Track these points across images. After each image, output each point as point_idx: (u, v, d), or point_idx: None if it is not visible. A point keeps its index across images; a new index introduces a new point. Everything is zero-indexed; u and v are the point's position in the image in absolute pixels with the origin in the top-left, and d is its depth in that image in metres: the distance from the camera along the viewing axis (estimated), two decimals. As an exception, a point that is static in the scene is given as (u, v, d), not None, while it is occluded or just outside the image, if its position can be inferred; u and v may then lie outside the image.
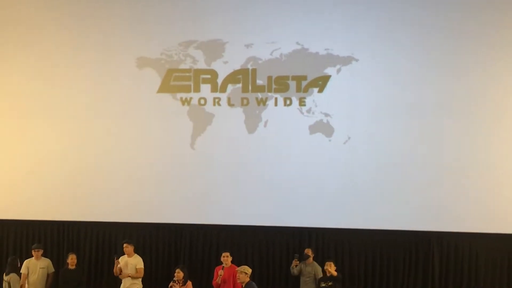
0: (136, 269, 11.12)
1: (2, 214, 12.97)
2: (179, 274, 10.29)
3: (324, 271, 10.81)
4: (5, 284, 11.18)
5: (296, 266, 11.32)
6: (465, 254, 11.76)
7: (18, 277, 11.29)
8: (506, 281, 11.61)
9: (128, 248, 11.16)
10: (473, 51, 11.66)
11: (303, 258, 11.32)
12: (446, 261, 11.80)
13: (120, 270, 10.92)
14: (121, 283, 11.14)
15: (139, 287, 11.12)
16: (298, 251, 11.69)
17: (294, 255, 11.53)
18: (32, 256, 11.59)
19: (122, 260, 11.10)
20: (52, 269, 11.69)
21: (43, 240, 12.75)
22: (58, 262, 12.45)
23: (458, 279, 11.73)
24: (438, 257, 11.78)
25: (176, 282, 10.21)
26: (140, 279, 11.15)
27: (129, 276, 10.98)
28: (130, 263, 11.10)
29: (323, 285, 10.60)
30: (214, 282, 10.68)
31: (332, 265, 10.68)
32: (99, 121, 12.73)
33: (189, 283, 10.35)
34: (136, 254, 11.29)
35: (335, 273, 10.54)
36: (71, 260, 11.44)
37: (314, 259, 11.28)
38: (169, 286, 10.27)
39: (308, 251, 11.41)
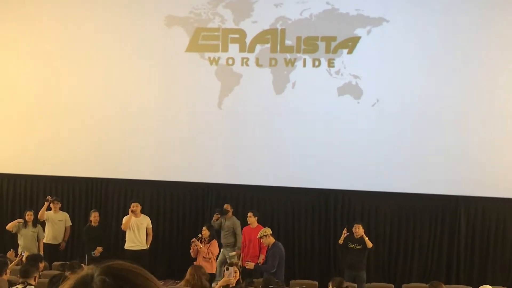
0: (147, 229, 11.21)
1: (30, 170, 13.13)
2: (205, 232, 10.37)
3: (352, 232, 10.78)
4: (33, 235, 11.48)
5: (217, 220, 11.44)
6: (492, 218, 11.71)
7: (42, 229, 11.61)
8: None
9: (137, 207, 11.19)
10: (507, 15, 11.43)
11: (223, 213, 11.42)
12: (472, 226, 11.76)
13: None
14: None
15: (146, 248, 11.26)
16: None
17: (216, 210, 11.69)
18: (51, 209, 11.79)
19: (131, 220, 11.10)
20: (69, 223, 11.90)
21: (71, 196, 12.91)
22: (86, 218, 12.62)
23: (485, 243, 11.70)
24: (465, 222, 11.74)
25: (202, 239, 10.29)
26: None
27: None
28: (141, 223, 11.14)
29: (351, 246, 10.58)
30: (241, 245, 10.82)
31: (361, 227, 10.67)
32: (127, 79, 12.73)
33: (214, 241, 10.43)
34: (143, 214, 11.34)
35: (370, 244, 10.51)
36: (94, 217, 11.58)
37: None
38: (191, 241, 10.35)
39: (227, 206, 11.59)
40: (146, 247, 11.18)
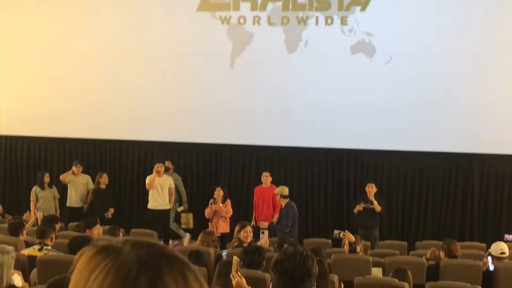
0: (169, 189, 11.29)
1: (44, 132, 13.19)
2: (219, 192, 10.41)
3: (365, 192, 10.82)
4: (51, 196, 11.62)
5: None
6: (506, 176, 11.68)
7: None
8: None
9: (161, 168, 11.25)
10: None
11: (165, 170, 11.56)
12: (486, 183, 11.74)
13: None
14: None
15: (169, 208, 11.36)
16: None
17: (164, 162, 11.77)
18: (74, 172, 11.86)
19: (155, 180, 11.19)
20: (91, 185, 11.95)
21: (85, 158, 12.96)
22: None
23: (498, 201, 11.69)
24: (479, 179, 11.72)
25: (214, 200, 10.34)
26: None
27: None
28: (164, 183, 11.24)
29: (364, 205, 10.64)
30: (255, 204, 10.85)
31: (374, 187, 10.69)
32: (138, 39, 12.67)
33: (228, 201, 10.49)
34: (166, 175, 11.42)
35: (378, 208, 10.55)
36: (104, 179, 11.67)
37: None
38: (209, 203, 10.41)
39: (169, 164, 11.81)
40: (169, 207, 11.28)
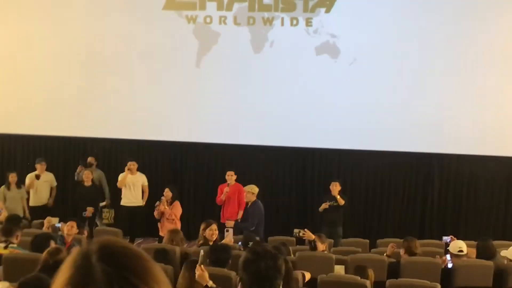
0: (143, 186, 11.33)
1: (5, 128, 13.08)
2: (167, 193, 10.41)
3: (329, 191, 10.99)
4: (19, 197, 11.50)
5: (80, 172, 11.88)
6: (465, 175, 11.99)
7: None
8: (504, 203, 11.89)
9: (134, 166, 11.31)
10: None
11: (87, 165, 11.84)
12: (446, 183, 12.03)
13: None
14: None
15: (142, 205, 11.40)
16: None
17: (79, 162, 12.17)
18: (36, 170, 11.77)
19: (127, 178, 11.22)
20: (55, 183, 11.90)
21: (49, 155, 12.87)
22: (64, 177, 12.67)
23: (457, 200, 12.00)
24: (439, 179, 12.01)
25: (162, 201, 10.31)
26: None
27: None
28: (137, 180, 11.29)
29: (329, 203, 10.80)
30: (218, 199, 10.89)
31: (338, 185, 10.86)
32: (104, 36, 12.65)
33: (176, 203, 10.47)
34: (139, 172, 11.47)
35: (342, 201, 10.71)
36: (87, 176, 11.61)
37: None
38: (155, 204, 10.45)
39: (92, 159, 12.05)
40: (142, 204, 11.31)
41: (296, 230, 8.56)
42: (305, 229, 8.49)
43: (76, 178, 12.05)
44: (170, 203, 10.38)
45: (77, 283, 1.10)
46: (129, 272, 1.11)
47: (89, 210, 11.27)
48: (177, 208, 10.47)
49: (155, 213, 10.43)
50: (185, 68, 12.42)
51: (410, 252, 7.62)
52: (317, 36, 12.04)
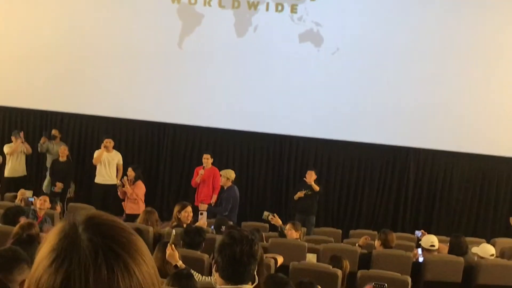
0: (117, 165, 11.26)
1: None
2: (130, 173, 10.32)
3: (303, 179, 11.03)
4: None
5: (43, 143, 11.90)
6: (440, 170, 12.09)
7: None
8: (477, 201, 12.02)
9: (110, 143, 11.23)
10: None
11: (51, 138, 11.88)
12: (421, 177, 12.13)
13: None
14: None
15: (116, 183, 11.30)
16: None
17: (43, 133, 12.09)
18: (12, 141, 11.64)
19: (103, 155, 11.13)
20: (30, 151, 11.75)
21: (25, 129, 12.72)
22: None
23: (432, 194, 12.10)
24: (414, 173, 12.09)
25: (128, 180, 10.24)
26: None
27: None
28: (112, 158, 11.21)
29: (304, 192, 10.84)
30: (193, 181, 10.85)
31: (313, 174, 10.88)
32: (85, 12, 12.49)
33: (139, 182, 10.39)
34: (115, 150, 11.39)
35: (316, 187, 10.74)
36: (62, 151, 11.49)
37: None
38: (117, 184, 10.42)
39: (56, 132, 12.06)
40: (116, 182, 11.23)
41: (266, 213, 8.57)
42: (274, 214, 8.50)
43: (39, 149, 11.93)
44: (133, 182, 10.29)
45: (62, 249, 1.12)
46: (114, 242, 1.14)
47: (58, 186, 11.19)
48: (140, 188, 10.38)
49: (119, 193, 10.41)
50: (167, 48, 12.31)
51: (387, 244, 7.65)
52: (302, 24, 12.00)
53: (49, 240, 1.16)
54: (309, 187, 10.77)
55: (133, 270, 1.13)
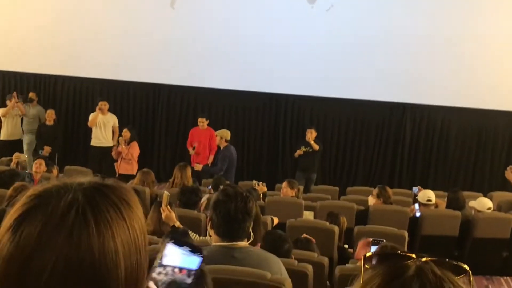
0: (113, 127, 11.21)
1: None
2: (125, 133, 10.36)
3: (302, 137, 11.04)
4: None
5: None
6: (436, 126, 12.06)
7: None
8: (473, 155, 12.02)
9: (105, 106, 11.14)
10: None
11: (29, 100, 11.73)
12: (417, 133, 12.10)
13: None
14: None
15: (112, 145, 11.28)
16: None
17: (19, 96, 11.62)
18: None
19: (98, 118, 11.07)
20: (23, 112, 11.62)
21: (19, 92, 12.60)
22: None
23: (428, 150, 12.10)
24: (410, 129, 12.06)
25: (122, 141, 10.31)
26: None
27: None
28: (108, 121, 11.15)
29: (304, 149, 10.81)
30: (188, 145, 10.79)
31: (313, 132, 10.86)
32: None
33: (134, 143, 10.44)
34: (110, 113, 11.33)
35: (316, 146, 10.72)
36: (49, 115, 11.43)
37: None
38: (113, 144, 10.42)
39: (33, 95, 11.88)
40: (111, 144, 11.20)
41: (254, 182, 8.57)
42: (262, 182, 8.51)
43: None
44: (128, 143, 10.31)
45: (57, 190, 1.04)
46: (110, 190, 1.08)
47: (46, 150, 11.14)
48: (135, 149, 10.42)
49: (113, 153, 10.44)
50: (159, 6, 12.15)
51: (386, 200, 7.64)
52: (295, -20, 11.83)
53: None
54: (309, 144, 10.75)
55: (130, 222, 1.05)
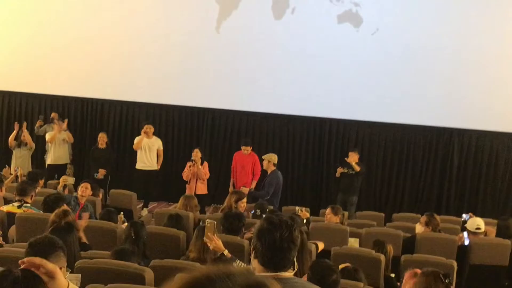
0: (158, 150, 11.27)
1: (27, 87, 13.02)
2: (197, 154, 10.36)
3: (344, 159, 10.98)
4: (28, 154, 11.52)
5: (40, 126, 12.03)
6: (485, 151, 11.80)
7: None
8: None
9: (150, 129, 11.22)
10: None
11: (50, 121, 11.95)
12: (465, 159, 11.86)
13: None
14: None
15: (156, 169, 11.33)
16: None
17: (40, 116, 12.24)
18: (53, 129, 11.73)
19: (143, 141, 11.15)
20: (72, 140, 11.83)
21: (66, 116, 12.80)
22: (81, 138, 12.69)
23: (476, 177, 11.83)
24: (458, 154, 11.83)
25: (194, 162, 10.32)
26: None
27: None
28: (152, 144, 11.22)
29: (345, 171, 10.78)
30: (232, 169, 10.78)
31: (355, 155, 10.80)
32: (123, 1, 12.50)
33: (206, 163, 10.47)
34: (155, 136, 11.38)
35: (357, 168, 10.62)
36: (101, 139, 11.53)
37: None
38: (188, 165, 10.38)
39: (55, 115, 12.10)
40: (156, 168, 11.26)
41: (297, 208, 8.48)
42: (305, 208, 8.39)
43: (36, 132, 12.01)
44: (200, 163, 10.32)
45: None
46: None
47: (101, 172, 11.23)
48: (207, 169, 10.47)
49: (184, 175, 10.37)
50: (205, 32, 12.24)
51: (435, 228, 7.44)
52: (340, 4, 11.80)
53: None
54: (350, 166, 10.67)
55: None
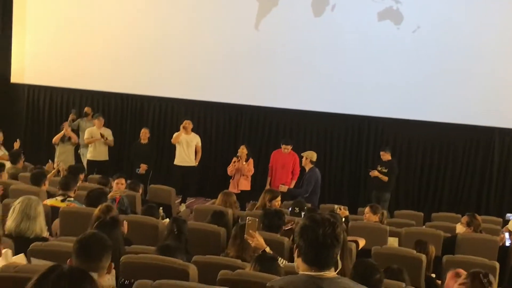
0: (196, 147, 11.33)
1: (67, 83, 13.22)
2: (243, 150, 10.38)
3: (379, 156, 11.07)
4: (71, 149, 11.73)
5: (73, 121, 12.21)
6: (527, 152, 11.63)
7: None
8: None
9: (189, 125, 11.28)
10: None
11: (85, 115, 12.17)
12: (506, 158, 11.68)
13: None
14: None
15: (195, 165, 11.40)
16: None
17: (71, 110, 12.39)
18: (94, 124, 11.87)
19: (181, 137, 11.22)
20: (111, 137, 11.92)
21: (106, 111, 12.97)
22: (121, 134, 12.83)
23: (518, 176, 11.66)
24: (499, 154, 11.67)
25: (238, 157, 10.36)
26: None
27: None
28: (191, 140, 11.28)
29: (379, 168, 10.82)
30: (270, 168, 10.77)
31: (386, 154, 10.86)
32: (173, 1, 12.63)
33: (251, 160, 10.49)
34: (194, 133, 11.42)
35: (385, 178, 10.72)
36: (143, 134, 11.62)
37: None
38: (233, 161, 10.42)
39: (88, 109, 12.25)
40: (195, 164, 11.32)
41: (336, 206, 8.46)
42: (343, 207, 8.37)
43: (69, 126, 12.04)
44: (245, 160, 10.36)
45: None
46: None
47: (143, 167, 11.33)
48: (252, 166, 10.48)
49: (229, 170, 10.40)
50: (244, 29, 12.26)
51: (476, 228, 7.35)
52: (380, 2, 11.71)
53: None
54: (384, 163, 10.84)
55: None
